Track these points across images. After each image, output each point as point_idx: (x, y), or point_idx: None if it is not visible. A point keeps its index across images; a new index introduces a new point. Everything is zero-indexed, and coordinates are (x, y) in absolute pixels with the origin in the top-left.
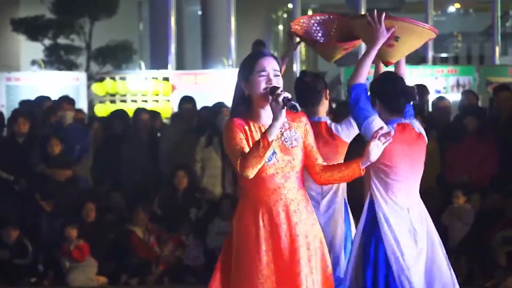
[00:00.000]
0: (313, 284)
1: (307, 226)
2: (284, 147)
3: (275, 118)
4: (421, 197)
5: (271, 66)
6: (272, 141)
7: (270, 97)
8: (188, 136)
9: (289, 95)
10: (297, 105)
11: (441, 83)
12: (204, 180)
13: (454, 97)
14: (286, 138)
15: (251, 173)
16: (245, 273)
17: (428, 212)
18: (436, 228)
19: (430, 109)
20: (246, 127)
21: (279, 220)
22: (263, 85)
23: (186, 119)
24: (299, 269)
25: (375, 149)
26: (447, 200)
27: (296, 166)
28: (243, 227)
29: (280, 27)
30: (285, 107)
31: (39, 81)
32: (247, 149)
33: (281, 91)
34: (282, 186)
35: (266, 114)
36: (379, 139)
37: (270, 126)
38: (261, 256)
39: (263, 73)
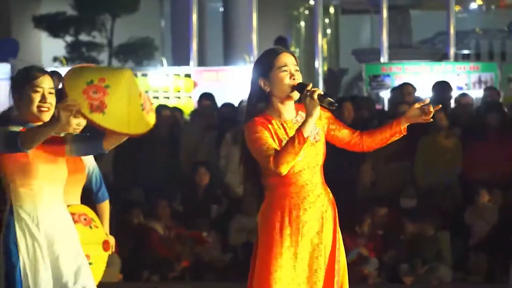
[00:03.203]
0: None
1: (330, 221)
2: (308, 143)
3: (309, 114)
4: (442, 194)
5: (291, 61)
6: (307, 137)
7: (297, 93)
8: (208, 133)
9: (322, 92)
10: (334, 101)
11: (463, 80)
12: (227, 176)
13: (476, 93)
14: (309, 134)
15: (285, 169)
16: (266, 269)
17: (450, 209)
18: (457, 225)
19: (452, 106)
20: (269, 125)
21: (305, 217)
22: (286, 80)
23: (205, 116)
24: (317, 266)
25: (414, 111)
26: (469, 198)
27: (320, 161)
28: (268, 223)
29: (302, 23)
30: (322, 103)
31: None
32: (275, 146)
33: (313, 88)
34: (309, 182)
35: (286, 110)
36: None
37: (304, 122)
38: (282, 252)
39: (285, 68)
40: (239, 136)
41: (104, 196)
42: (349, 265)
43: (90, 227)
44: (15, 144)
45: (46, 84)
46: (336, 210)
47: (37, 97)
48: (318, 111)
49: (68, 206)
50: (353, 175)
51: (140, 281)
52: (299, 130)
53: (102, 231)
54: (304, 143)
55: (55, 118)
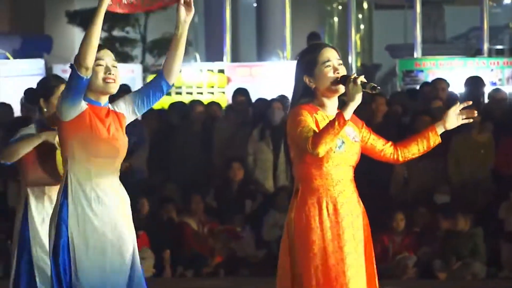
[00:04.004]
0: (369, 276)
1: (360, 218)
2: (348, 140)
3: (351, 99)
4: (475, 190)
5: (333, 56)
6: (347, 120)
7: (342, 87)
8: (242, 128)
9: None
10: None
11: (496, 75)
12: (256, 172)
13: (510, 89)
14: (348, 133)
15: (323, 150)
16: (310, 264)
17: (483, 205)
18: (491, 221)
19: (485, 101)
20: (315, 114)
21: (343, 210)
22: (330, 75)
23: (239, 111)
24: (362, 261)
25: (453, 117)
26: (502, 193)
27: (354, 161)
28: (305, 216)
29: (335, 19)
30: (365, 89)
31: None
32: (315, 129)
33: (356, 75)
34: (344, 177)
35: (331, 106)
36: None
37: (346, 105)
38: (326, 245)
39: (328, 63)
40: (267, 132)
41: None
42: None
43: None
44: (75, 73)
45: (107, 57)
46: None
47: (101, 69)
48: (360, 96)
49: None
50: (386, 172)
51: (174, 276)
52: (340, 112)
53: None
54: (344, 125)
55: (99, 2)
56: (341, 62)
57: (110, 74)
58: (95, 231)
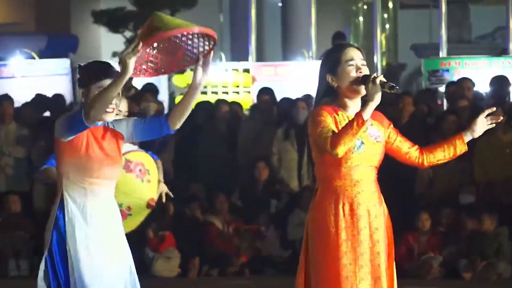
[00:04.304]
0: (389, 277)
1: (382, 219)
2: (369, 141)
3: (370, 99)
4: (500, 190)
5: (357, 55)
6: (366, 120)
7: (363, 84)
8: (267, 128)
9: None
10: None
11: None
12: (281, 172)
13: None
14: (371, 133)
15: (342, 151)
16: (323, 263)
17: (508, 205)
18: None
19: (511, 100)
20: (335, 115)
21: (360, 211)
22: (352, 74)
23: (264, 111)
24: (379, 261)
25: (481, 125)
26: None
27: (376, 162)
28: (321, 216)
29: (360, 18)
30: (383, 89)
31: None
32: (334, 130)
33: (376, 75)
34: (364, 178)
35: (353, 106)
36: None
37: (365, 105)
38: (339, 245)
39: (351, 62)
40: (291, 132)
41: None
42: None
43: (142, 180)
44: (79, 117)
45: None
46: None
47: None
48: (379, 96)
49: (127, 152)
50: (412, 173)
51: (199, 276)
52: (359, 113)
53: (153, 187)
54: (363, 125)
55: (123, 67)
56: (364, 62)
57: (111, 104)
58: (92, 244)
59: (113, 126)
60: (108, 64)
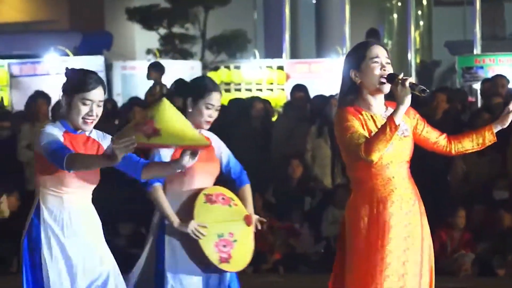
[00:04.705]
0: (428, 273)
1: (417, 215)
2: (396, 137)
3: (401, 102)
4: None
5: (382, 53)
6: (399, 125)
7: (388, 84)
8: (301, 125)
9: (413, 80)
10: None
11: None
12: (315, 169)
13: None
14: (399, 122)
15: (376, 157)
16: (357, 263)
17: None
18: None
19: None
20: (360, 115)
21: (392, 209)
22: (377, 71)
23: (298, 108)
24: (404, 258)
25: (509, 116)
26: None
27: (407, 156)
28: (355, 217)
29: (394, 15)
30: (414, 91)
31: None
32: (366, 135)
33: (404, 76)
34: (396, 175)
35: (376, 104)
36: None
37: (396, 109)
38: (369, 246)
39: (376, 59)
40: (325, 129)
41: (242, 182)
42: (445, 258)
43: (230, 205)
44: (61, 162)
45: (97, 96)
46: (423, 204)
47: (85, 109)
48: (409, 99)
49: (203, 188)
50: (445, 169)
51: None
52: (391, 117)
53: (241, 208)
54: (396, 130)
55: (111, 157)
56: (389, 61)
57: (91, 115)
58: (65, 254)
59: (99, 139)
60: (95, 77)
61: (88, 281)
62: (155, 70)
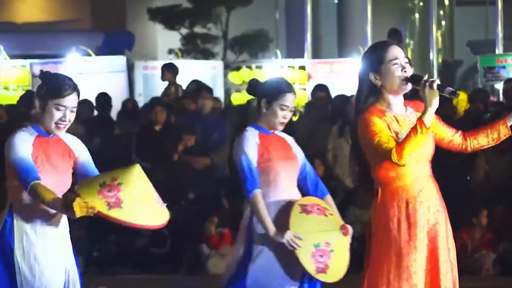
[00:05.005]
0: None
1: (442, 214)
2: None
3: (429, 104)
4: None
5: (401, 54)
6: (429, 127)
7: (410, 85)
8: (322, 125)
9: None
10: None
11: None
12: (336, 169)
13: None
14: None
15: (408, 160)
16: (387, 265)
17: None
18: None
19: None
20: (384, 117)
21: (421, 209)
22: (398, 73)
23: (319, 108)
24: (445, 256)
25: None
26: None
27: (429, 155)
28: (384, 218)
29: (416, 15)
30: (442, 93)
31: None
32: (394, 138)
33: (430, 78)
34: (421, 175)
35: (397, 104)
36: None
37: (425, 111)
38: (401, 247)
39: (396, 61)
40: (346, 129)
41: (324, 192)
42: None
43: (325, 215)
44: (25, 186)
45: (71, 103)
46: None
47: (58, 115)
48: (437, 100)
49: (297, 199)
50: (467, 168)
51: None
52: (421, 120)
53: (337, 218)
54: (427, 132)
55: (67, 208)
56: (407, 60)
57: (64, 121)
58: (40, 258)
59: (70, 143)
60: (70, 83)
61: (59, 280)
62: (169, 70)
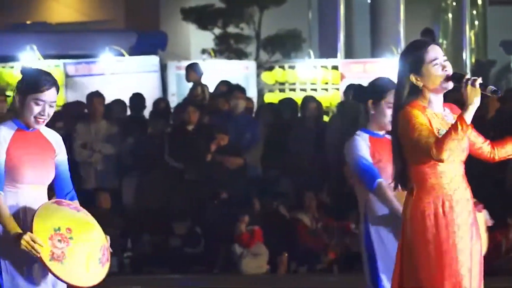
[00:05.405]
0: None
1: (474, 214)
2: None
3: (470, 102)
4: None
5: (439, 53)
6: (469, 125)
7: (451, 84)
8: (354, 125)
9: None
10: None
11: None
12: None
13: None
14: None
15: (446, 156)
16: (426, 264)
17: None
18: None
19: None
20: (425, 113)
21: (458, 208)
22: (439, 73)
23: (351, 108)
24: (477, 258)
25: None
26: None
27: (464, 156)
28: (420, 215)
29: (449, 15)
30: (484, 92)
31: (209, 70)
32: (435, 133)
33: (472, 77)
34: (457, 174)
35: (437, 102)
36: None
37: (466, 109)
38: (441, 244)
39: (436, 62)
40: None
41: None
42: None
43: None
44: None
45: (49, 97)
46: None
47: (37, 109)
48: (479, 99)
49: None
50: (501, 168)
51: (287, 272)
52: (461, 117)
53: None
54: (468, 130)
55: (15, 237)
56: (446, 58)
57: (43, 115)
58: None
59: (49, 137)
60: (49, 78)
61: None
62: (194, 71)
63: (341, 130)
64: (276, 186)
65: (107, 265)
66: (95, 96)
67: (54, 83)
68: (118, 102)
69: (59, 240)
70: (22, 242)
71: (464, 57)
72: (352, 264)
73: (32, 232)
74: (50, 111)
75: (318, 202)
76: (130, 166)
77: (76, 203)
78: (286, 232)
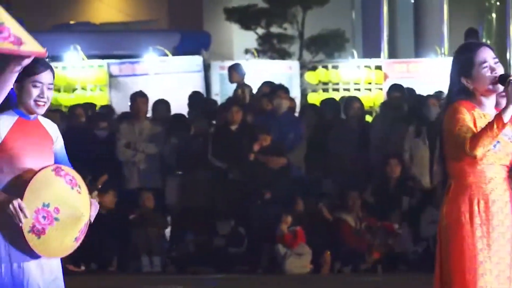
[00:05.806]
0: None
1: (510, 218)
2: (503, 140)
3: (510, 101)
4: None
5: (489, 55)
6: (506, 123)
7: (501, 86)
8: (397, 125)
9: None
10: None
11: None
12: (413, 169)
13: None
14: (505, 133)
15: (480, 153)
16: (459, 259)
17: None
18: None
19: None
20: (473, 111)
21: (494, 208)
22: (488, 75)
23: (395, 108)
24: (509, 260)
25: None
26: None
27: (509, 161)
28: (456, 212)
29: (493, 15)
30: None
31: (252, 69)
32: (474, 130)
33: None
34: (497, 176)
35: (488, 103)
36: None
37: (506, 108)
38: (475, 242)
39: (485, 65)
40: (423, 129)
41: None
42: None
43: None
44: None
45: (46, 79)
46: None
47: (36, 92)
48: None
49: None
50: None
51: (331, 272)
52: (499, 115)
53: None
54: (503, 128)
55: (6, 200)
56: (497, 60)
57: (42, 97)
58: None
59: (48, 127)
60: (42, 61)
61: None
62: (236, 72)
63: (384, 130)
64: (319, 186)
65: (81, 239)
66: (139, 96)
67: (49, 66)
68: (162, 102)
69: (44, 217)
70: (10, 206)
71: (508, 57)
72: (395, 264)
73: (22, 199)
74: (49, 94)
75: (362, 202)
76: (174, 166)
77: (74, 172)
78: (329, 232)
